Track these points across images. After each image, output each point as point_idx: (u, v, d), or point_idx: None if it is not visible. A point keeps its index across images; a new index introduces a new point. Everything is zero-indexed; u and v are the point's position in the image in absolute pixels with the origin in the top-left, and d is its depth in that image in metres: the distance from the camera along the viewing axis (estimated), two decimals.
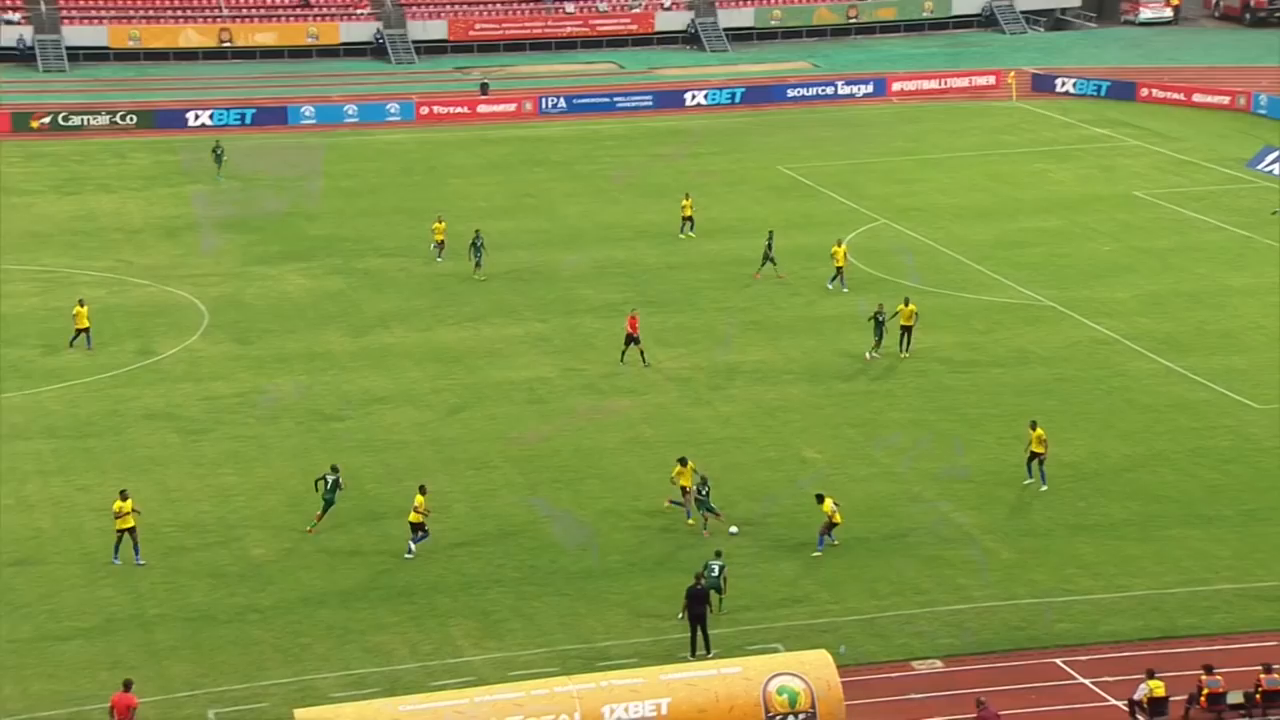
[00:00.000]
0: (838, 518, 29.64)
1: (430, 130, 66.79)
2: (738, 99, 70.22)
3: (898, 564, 29.29)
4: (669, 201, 55.00)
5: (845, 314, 42.14)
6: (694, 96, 70.11)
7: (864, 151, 61.19)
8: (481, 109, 69.32)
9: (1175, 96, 67.13)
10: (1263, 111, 64.01)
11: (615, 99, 69.95)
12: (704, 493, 30.55)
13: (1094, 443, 34.01)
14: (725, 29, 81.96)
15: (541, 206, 55.04)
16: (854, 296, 43.55)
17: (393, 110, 68.41)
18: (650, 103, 69.91)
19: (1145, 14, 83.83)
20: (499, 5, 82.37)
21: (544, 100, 69.58)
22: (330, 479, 30.57)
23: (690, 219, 49.47)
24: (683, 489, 30.73)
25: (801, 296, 44.17)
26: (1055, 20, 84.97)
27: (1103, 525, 30.39)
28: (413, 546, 29.72)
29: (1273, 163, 55.46)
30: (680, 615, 26.80)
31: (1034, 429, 31.78)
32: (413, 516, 29.81)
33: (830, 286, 44.01)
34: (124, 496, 29.60)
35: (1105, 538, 29.89)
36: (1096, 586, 28.24)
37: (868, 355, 38.88)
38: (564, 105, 69.40)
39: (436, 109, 68.87)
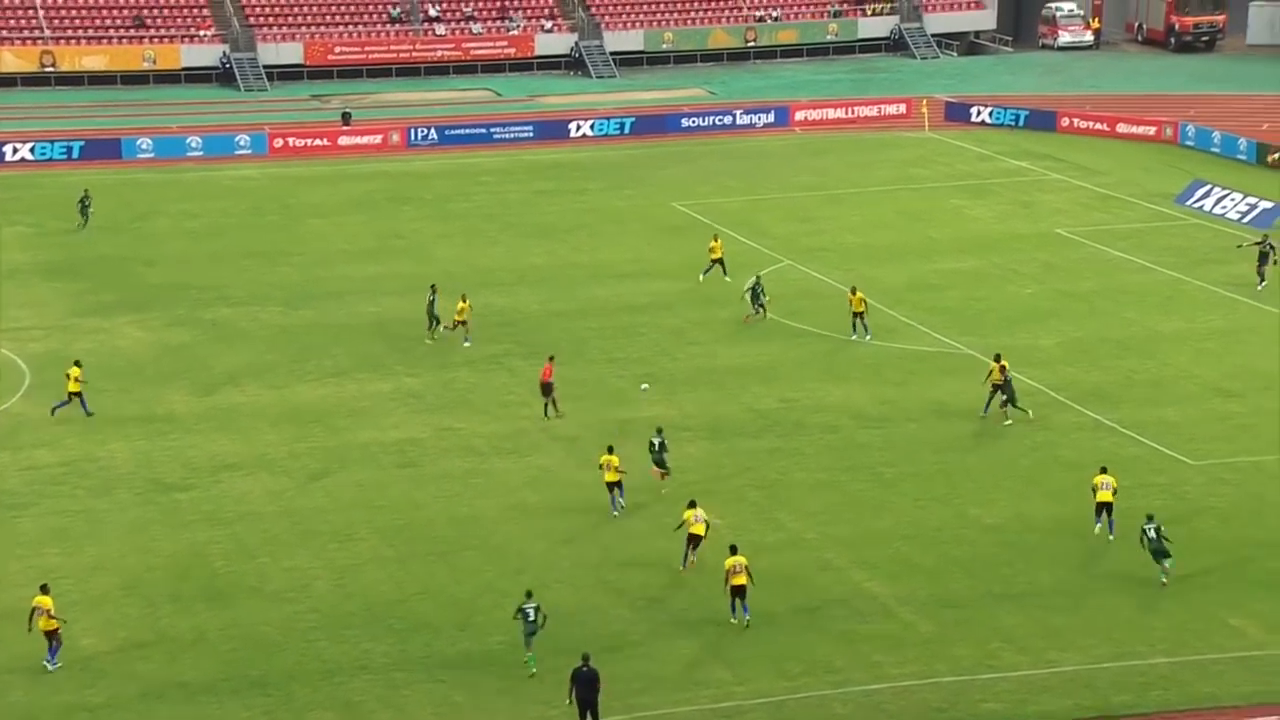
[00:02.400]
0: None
1: (285, 165, 66.37)
2: (627, 129, 70.87)
3: (808, 640, 29.49)
4: (552, 242, 55.23)
5: (749, 365, 42.56)
6: (579, 127, 70.62)
7: (765, 186, 62.06)
8: (343, 141, 69.11)
9: (1098, 127, 69.16)
10: (1191, 143, 66.19)
11: (492, 130, 70.20)
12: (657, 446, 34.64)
13: (1018, 503, 34.66)
14: (612, 53, 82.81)
15: (411, 249, 54.88)
16: (758, 333, 44.05)
17: (242, 143, 67.89)
18: (531, 134, 70.27)
19: (1064, 38, 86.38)
20: (361, 27, 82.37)
21: (413, 131, 69.56)
22: None
23: (720, 261, 48.89)
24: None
25: (700, 346, 44.53)
26: (969, 44, 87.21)
27: (1029, 594, 30.92)
28: (620, 502, 33.73)
29: (1202, 198, 57.29)
30: (568, 701, 26.71)
31: (1103, 473, 32.61)
32: (610, 475, 33.67)
33: (702, 278, 45.41)
34: None
35: (1032, 608, 30.40)
36: (1023, 662, 28.68)
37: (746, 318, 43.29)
38: (435, 137, 69.46)
39: (292, 141, 68.51)
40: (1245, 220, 55.11)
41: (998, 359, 38.79)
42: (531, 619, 28.31)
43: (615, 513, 34.22)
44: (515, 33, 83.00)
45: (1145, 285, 49.13)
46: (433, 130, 69.70)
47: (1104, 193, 59.75)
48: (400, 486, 35.92)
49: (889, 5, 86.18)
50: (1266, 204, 55.17)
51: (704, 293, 48.73)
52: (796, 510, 34.57)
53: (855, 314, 44.05)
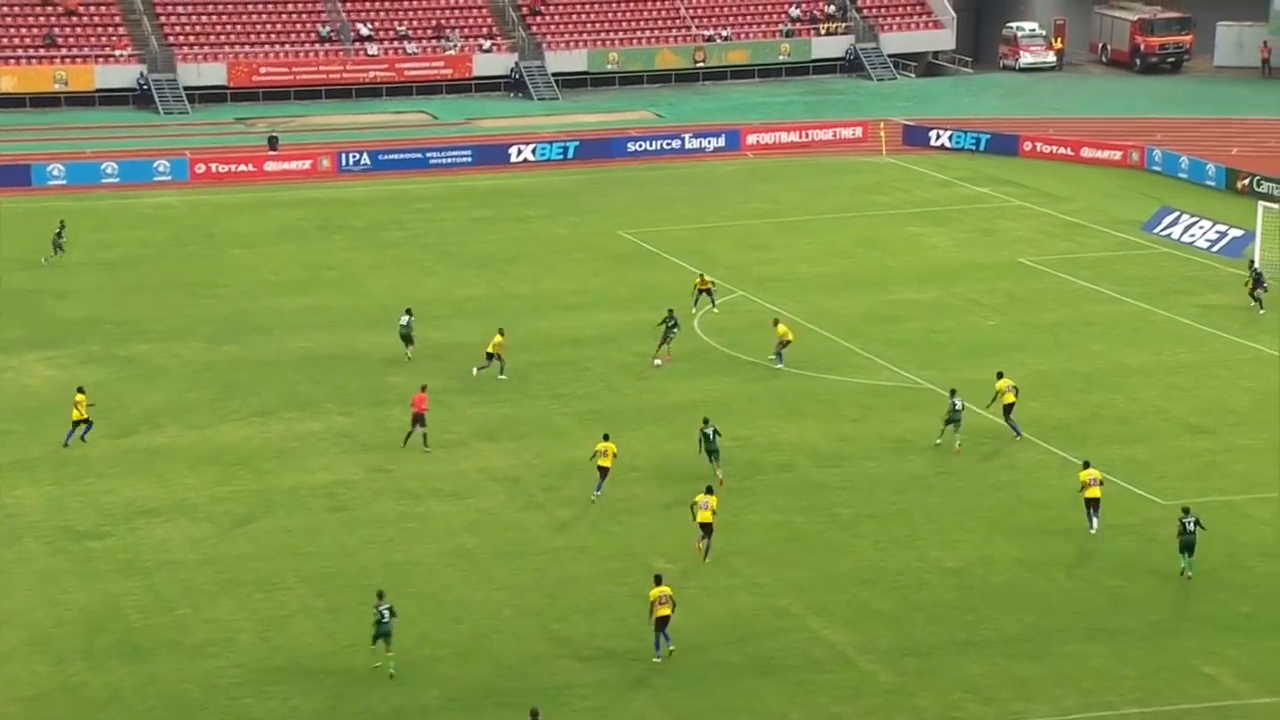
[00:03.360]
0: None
1: (207, 191, 66.07)
2: (570, 154, 71.04)
3: (762, 691, 29.47)
4: (491, 272, 55.22)
5: (700, 401, 42.63)
6: (520, 151, 70.73)
7: (715, 213, 62.34)
8: (269, 166, 68.85)
9: (1062, 151, 69.97)
10: (1157, 168, 67.07)
11: (428, 154, 70.19)
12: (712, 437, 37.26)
13: (982, 546, 34.85)
14: (554, 74, 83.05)
15: (342, 280, 54.71)
16: (711, 378, 44.19)
17: (161, 169, 67.53)
18: (469, 159, 70.31)
19: (1026, 59, 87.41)
20: (288, 46, 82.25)
21: (344, 156, 69.44)
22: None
23: (708, 291, 49.33)
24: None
25: (648, 381, 44.59)
26: (927, 65, 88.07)
27: (994, 641, 31.06)
28: (600, 489, 36.33)
29: (1170, 226, 58.02)
30: None
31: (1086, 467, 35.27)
32: (604, 461, 36.57)
33: (696, 311, 47.59)
34: None
35: (997, 656, 30.54)
36: (988, 713, 28.78)
37: (655, 362, 43.87)
38: (368, 162, 69.37)
39: (215, 167, 68.20)
40: (1214, 249, 55.86)
41: (1000, 376, 39.92)
42: (385, 620, 29.50)
43: (595, 496, 36.45)
44: (452, 53, 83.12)
45: (1112, 316, 49.65)
46: (365, 155, 69.59)
47: (1068, 220, 60.41)
48: (330, 532, 35.69)
49: (843, 25, 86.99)
50: (1236, 232, 55.93)
51: (653, 325, 48.81)
52: (750, 554, 34.60)
53: (783, 343, 44.73)
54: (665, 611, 30.15)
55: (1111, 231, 58.73)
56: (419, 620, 31.91)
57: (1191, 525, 32.80)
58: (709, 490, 34.29)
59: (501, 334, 44.82)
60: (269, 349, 47.49)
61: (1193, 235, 57.04)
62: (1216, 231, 56.63)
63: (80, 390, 40.45)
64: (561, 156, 70.78)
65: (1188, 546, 32.93)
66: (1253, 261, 50.77)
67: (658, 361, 44.96)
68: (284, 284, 54.03)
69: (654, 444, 40.36)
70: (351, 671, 30.07)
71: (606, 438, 37.15)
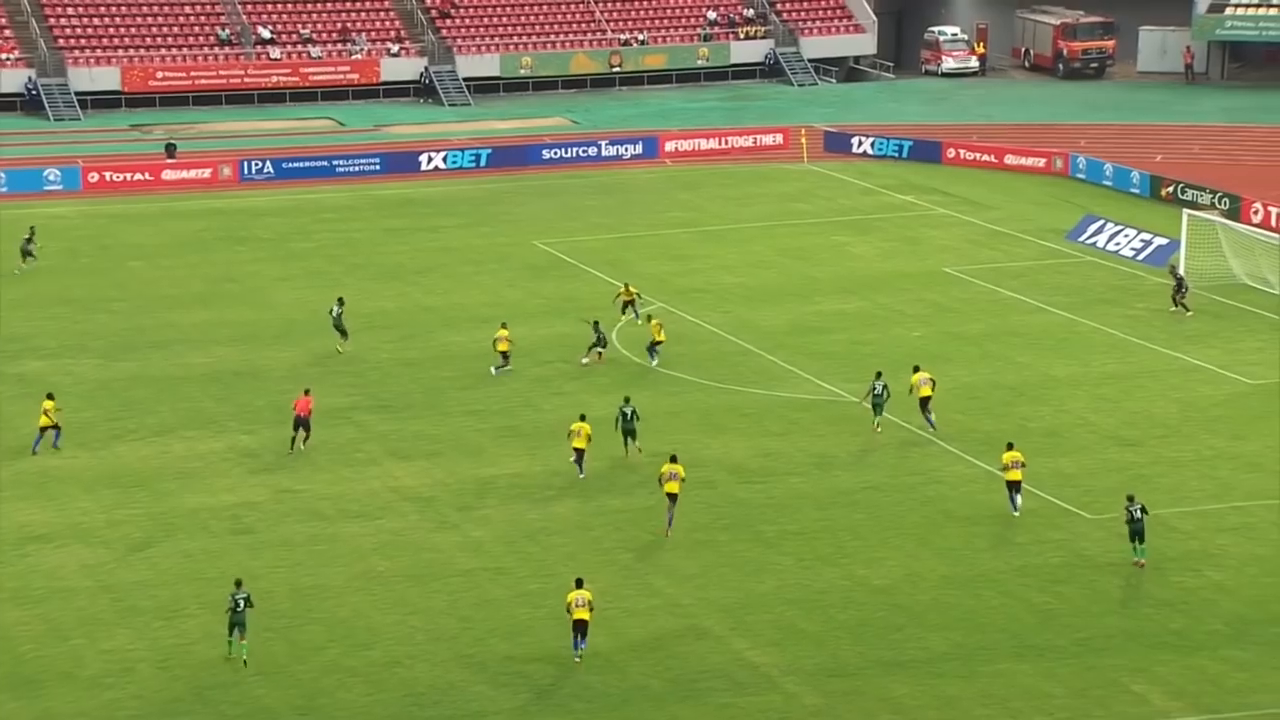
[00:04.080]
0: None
1: (101, 201, 65.29)
2: (483, 161, 70.95)
3: (685, 715, 29.51)
4: (402, 284, 55.00)
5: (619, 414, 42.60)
6: (430, 159, 70.53)
7: (634, 223, 62.47)
8: (167, 175, 68.24)
9: (985, 158, 70.81)
10: (1082, 175, 68.04)
11: (335, 162, 69.83)
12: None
13: (909, 562, 35.13)
14: (466, 79, 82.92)
15: (246, 293, 54.27)
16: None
17: (52, 178, 66.72)
18: (378, 166, 70.02)
19: (949, 64, 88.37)
20: (186, 50, 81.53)
21: (246, 164, 68.92)
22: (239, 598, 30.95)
23: (631, 302, 49.70)
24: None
25: (566, 396, 44.58)
26: (849, 70, 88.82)
27: (920, 660, 31.30)
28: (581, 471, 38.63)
29: (1095, 234, 58.87)
30: None
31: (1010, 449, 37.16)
32: (578, 442, 38.33)
33: (637, 320, 48.26)
34: None
35: (924, 675, 30.78)
36: None
37: (583, 360, 45.51)
38: (271, 170, 68.88)
39: (109, 175, 67.49)
40: (1139, 257, 56.74)
41: (917, 370, 41.52)
42: (239, 609, 30.61)
43: (581, 475, 38.62)
44: (359, 57, 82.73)
45: (1038, 327, 50.27)
46: (268, 163, 69.09)
47: (993, 228, 61.11)
48: (234, 556, 35.34)
49: (763, 29, 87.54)
50: (1161, 240, 56.83)
51: (571, 338, 48.82)
52: (671, 573, 34.66)
53: (654, 342, 45.98)
54: (582, 615, 30.69)
55: (1036, 240, 59.48)
56: (327, 647, 31.66)
57: (1139, 513, 34.14)
58: (673, 459, 36.17)
59: (505, 328, 46.08)
60: (168, 365, 46.99)
61: (1118, 244, 57.90)
62: (1141, 240, 57.52)
63: (49, 397, 40.61)
64: (474, 164, 70.66)
65: (1137, 534, 34.22)
66: (1174, 266, 51.59)
67: (585, 360, 45.84)
68: (184, 297, 53.48)
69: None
70: (255, 701, 29.79)
71: (583, 418, 38.90)
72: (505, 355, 45.52)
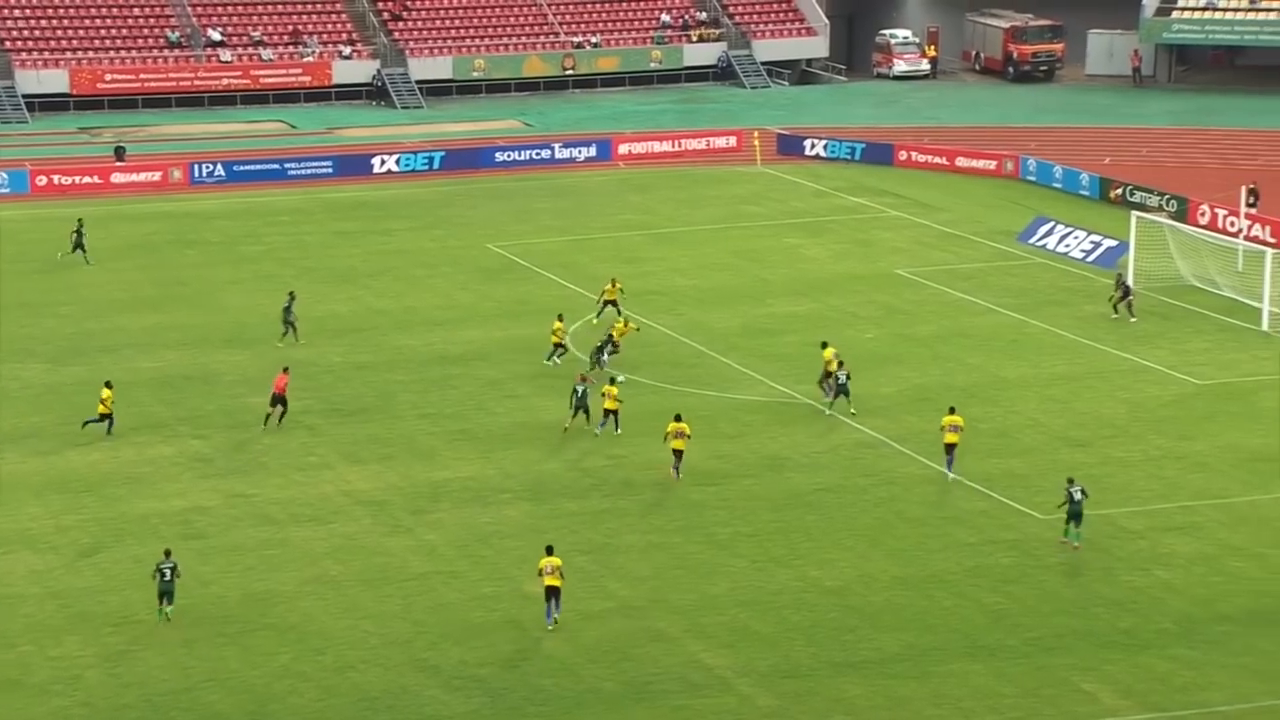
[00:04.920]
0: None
1: (50, 205, 64.78)
2: (436, 164, 70.78)
3: (638, 717, 29.55)
4: (354, 288, 54.82)
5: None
6: (383, 161, 70.32)
7: (587, 225, 62.48)
8: (117, 178, 67.78)
9: (937, 160, 71.17)
10: (1032, 178, 68.49)
11: (286, 165, 69.52)
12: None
13: (862, 564, 35.28)
14: (419, 82, 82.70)
15: (197, 296, 53.97)
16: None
17: None
18: (330, 169, 69.75)
19: (900, 67, 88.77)
20: (135, 52, 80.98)
21: (197, 167, 68.54)
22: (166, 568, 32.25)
23: (614, 302, 49.72)
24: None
25: (519, 399, 44.54)
26: (801, 73, 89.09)
27: (873, 661, 31.44)
28: (614, 429, 40.87)
29: (1045, 236, 59.25)
30: None
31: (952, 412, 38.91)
32: (609, 404, 40.42)
33: (595, 320, 48.91)
34: None
35: (876, 676, 30.92)
36: None
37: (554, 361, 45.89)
38: (222, 173, 68.53)
39: (57, 179, 66.99)
40: (1089, 259, 57.15)
41: (825, 346, 43.80)
42: (168, 579, 31.92)
43: (598, 431, 40.80)
44: (310, 59, 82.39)
45: (989, 328, 50.56)
46: (219, 166, 68.72)
47: (945, 230, 61.43)
48: (185, 561, 35.06)
49: (716, 32, 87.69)
50: (1111, 242, 57.27)
51: (523, 341, 48.78)
52: (626, 576, 34.69)
53: (558, 345, 46.34)
54: (553, 581, 31.70)
55: (987, 242, 59.82)
56: (279, 653, 31.52)
57: (1078, 495, 34.89)
58: (678, 418, 38.84)
59: (561, 320, 46.67)
60: (117, 370, 46.65)
61: (1068, 245, 58.29)
62: (1091, 241, 57.93)
63: (107, 385, 41.70)
64: (427, 167, 70.48)
65: (1075, 516, 34.95)
66: (1121, 274, 51.92)
67: (554, 360, 45.93)
68: (133, 301, 53.12)
69: (526, 464, 40.30)
70: (207, 707, 29.62)
71: (613, 381, 41.17)
72: (558, 345, 46.15)
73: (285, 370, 42.59)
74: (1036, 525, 36.80)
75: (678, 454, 38.74)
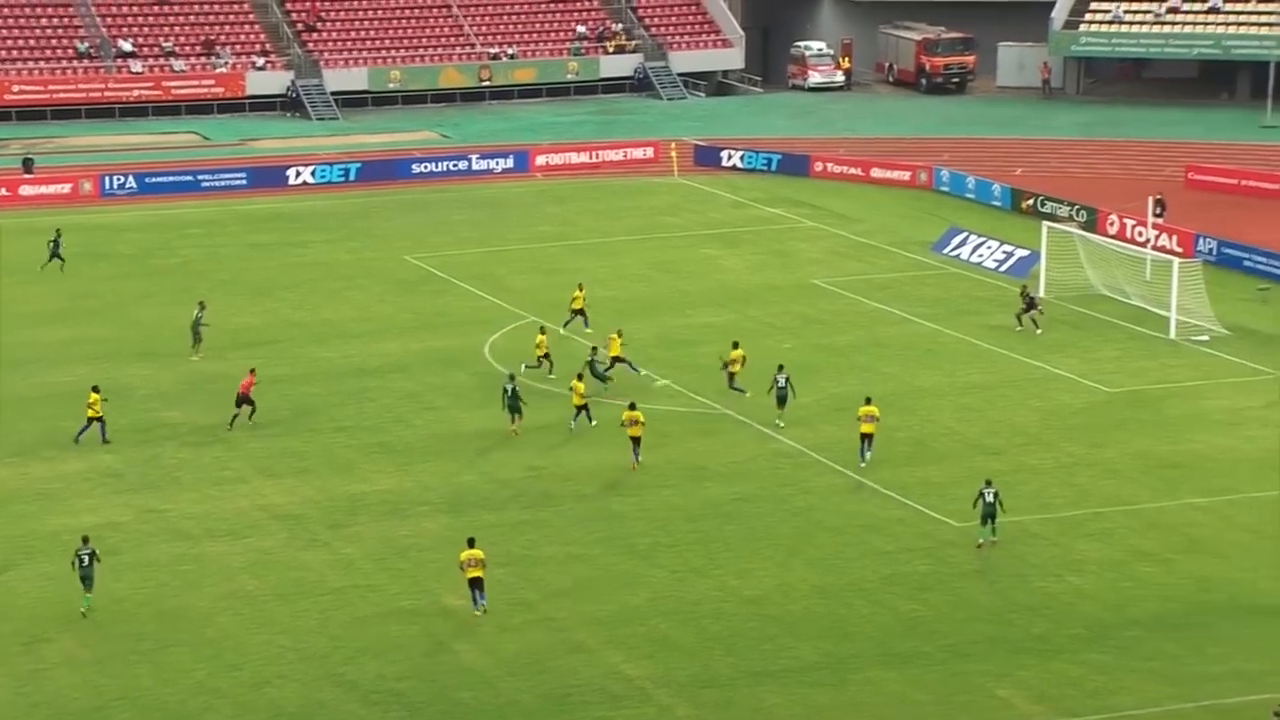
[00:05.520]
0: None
1: None
2: (352, 175, 70.42)
3: None
4: (270, 300, 54.40)
5: (491, 430, 42.58)
6: (298, 173, 69.86)
7: (505, 236, 62.39)
8: (25, 190, 66.90)
9: (852, 171, 71.70)
10: (945, 188, 69.17)
11: (199, 177, 68.91)
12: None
13: (780, 573, 35.43)
14: (334, 93, 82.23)
15: (107, 310, 53.34)
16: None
17: None
18: (244, 181, 69.21)
19: (815, 78, 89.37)
20: (44, 63, 79.95)
21: (107, 179, 67.76)
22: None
23: (582, 311, 50.02)
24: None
25: (438, 411, 44.36)
26: (717, 84, 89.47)
27: (791, 670, 31.59)
28: (589, 420, 41.79)
29: (959, 246, 59.86)
30: None
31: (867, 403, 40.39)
32: (576, 400, 41.46)
33: (563, 330, 49.15)
34: None
35: (794, 685, 31.07)
36: None
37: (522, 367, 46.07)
38: (134, 185, 67.80)
39: None
40: (1002, 269, 57.78)
41: (736, 346, 44.94)
42: (86, 564, 32.57)
43: (572, 427, 41.91)
44: (223, 70, 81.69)
45: (904, 338, 50.98)
46: (130, 178, 67.98)
47: (860, 241, 61.89)
48: (97, 577, 34.64)
49: (632, 43, 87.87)
50: (1023, 251, 57.94)
51: (441, 353, 48.60)
52: (545, 588, 34.65)
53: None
54: (476, 573, 32.60)
55: (902, 252, 60.34)
56: (194, 669, 31.19)
57: (991, 496, 35.61)
58: (632, 406, 39.92)
59: (543, 333, 46.73)
60: (26, 385, 46.02)
61: (981, 255, 58.92)
62: (1004, 251, 58.59)
63: (95, 389, 41.68)
64: (343, 179, 70.10)
65: (988, 517, 35.65)
66: (1025, 287, 52.34)
67: (523, 367, 46.12)
68: (42, 315, 52.39)
69: (444, 476, 40.16)
70: None
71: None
72: (540, 358, 46.15)
73: (252, 371, 43.09)
74: (952, 533, 37.14)
75: (635, 441, 39.81)
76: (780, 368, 43.25)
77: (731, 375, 44.48)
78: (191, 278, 56.70)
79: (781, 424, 42.66)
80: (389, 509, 38.31)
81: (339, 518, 37.86)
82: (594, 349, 45.64)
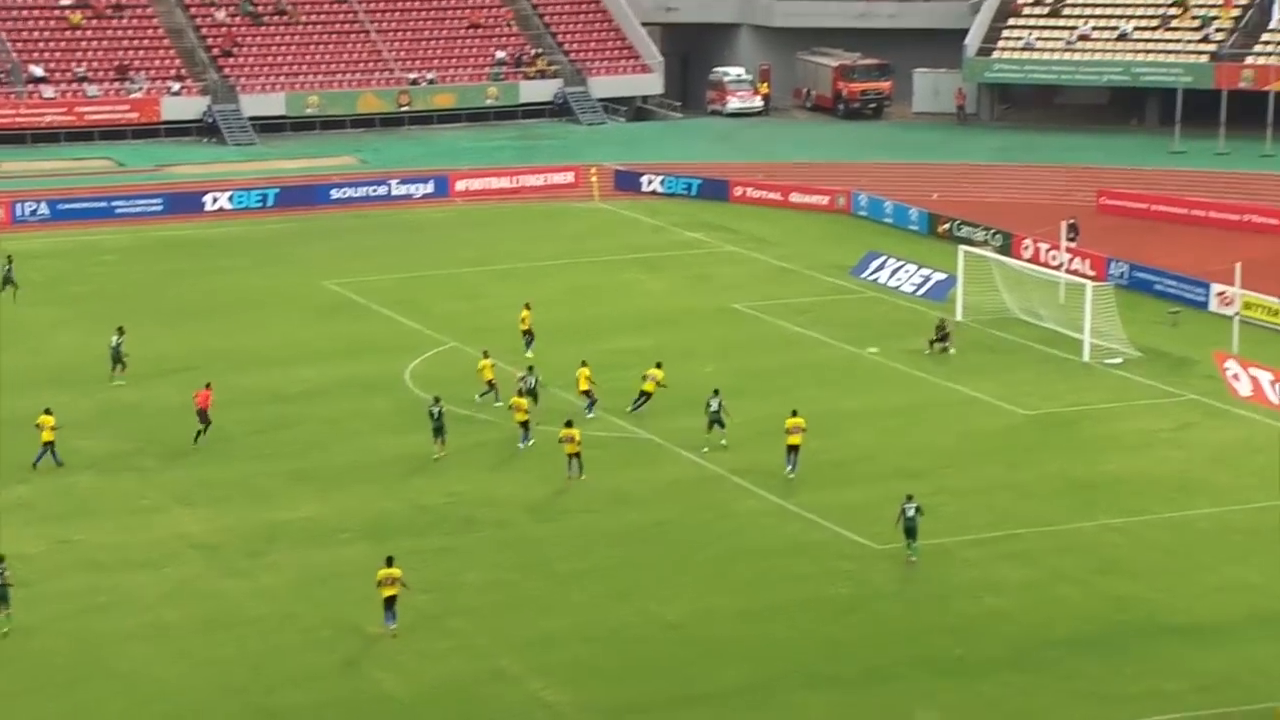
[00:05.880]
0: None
1: None
2: (270, 201, 69.93)
3: None
4: (187, 327, 53.84)
5: (412, 456, 42.33)
6: (215, 199, 69.30)
7: (425, 262, 62.15)
8: None
9: (771, 196, 72.10)
10: (864, 213, 69.72)
11: (114, 203, 68.23)
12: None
13: (703, 597, 35.43)
14: (251, 118, 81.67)
15: (20, 338, 52.58)
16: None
17: None
18: (160, 207, 68.59)
19: (734, 104, 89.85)
20: None
21: (19, 206, 66.93)
22: None
23: (528, 332, 50.25)
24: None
25: (359, 438, 44.05)
26: (637, 110, 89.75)
27: (714, 695, 31.55)
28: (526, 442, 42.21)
29: (877, 270, 60.33)
30: None
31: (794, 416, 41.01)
32: (519, 416, 42.19)
33: (530, 354, 49.25)
34: None
35: (717, 709, 31.04)
36: None
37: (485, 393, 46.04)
38: (46, 212, 67.03)
39: None
40: (920, 292, 58.27)
41: (659, 366, 45.68)
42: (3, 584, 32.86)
43: (520, 447, 42.20)
44: (138, 95, 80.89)
45: (824, 361, 51.26)
46: (43, 204, 67.18)
47: (780, 265, 62.21)
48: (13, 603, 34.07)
49: (552, 68, 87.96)
50: (940, 275, 58.46)
51: (361, 379, 48.28)
52: (466, 614, 34.44)
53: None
54: (391, 591, 32.79)
55: (822, 276, 60.70)
56: (109, 704, 30.71)
57: (912, 511, 36.30)
58: (569, 424, 40.64)
59: (487, 356, 46.36)
60: None
61: (899, 279, 59.39)
62: (921, 275, 59.08)
63: (47, 411, 41.29)
64: (260, 204, 69.59)
65: (910, 532, 36.18)
66: (943, 321, 52.58)
67: (477, 397, 45.96)
68: None
69: (365, 501, 39.86)
70: None
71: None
72: (489, 385, 45.83)
73: (208, 386, 43.28)
74: (873, 555, 37.31)
75: (572, 456, 40.49)
76: (715, 392, 43.31)
77: (644, 394, 44.99)
78: (107, 304, 56.02)
79: (725, 444, 42.92)
80: (308, 537, 37.97)
81: (258, 546, 37.46)
82: (529, 368, 45.80)
